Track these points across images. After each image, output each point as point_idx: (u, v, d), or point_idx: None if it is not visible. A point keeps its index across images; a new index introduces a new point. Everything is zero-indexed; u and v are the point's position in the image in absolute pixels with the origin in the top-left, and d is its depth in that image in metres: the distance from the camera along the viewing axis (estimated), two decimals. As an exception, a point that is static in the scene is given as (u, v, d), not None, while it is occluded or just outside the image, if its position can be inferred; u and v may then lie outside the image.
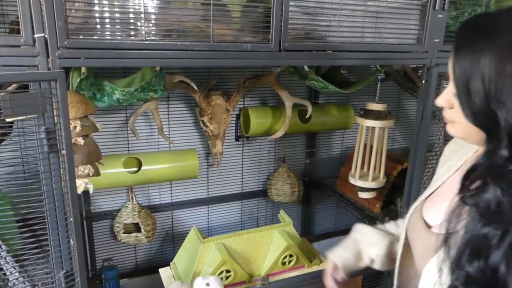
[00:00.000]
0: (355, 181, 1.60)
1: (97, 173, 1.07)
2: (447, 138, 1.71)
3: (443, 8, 1.30)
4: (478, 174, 0.70)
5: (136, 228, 1.66)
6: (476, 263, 0.64)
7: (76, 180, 1.03)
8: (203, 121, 1.59)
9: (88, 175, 1.03)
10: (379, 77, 1.56)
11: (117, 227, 1.66)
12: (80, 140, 1.01)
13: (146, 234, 1.65)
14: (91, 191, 1.07)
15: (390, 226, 1.09)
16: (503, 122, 0.68)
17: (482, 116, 0.72)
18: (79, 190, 1.04)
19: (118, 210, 1.69)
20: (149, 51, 0.98)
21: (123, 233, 1.65)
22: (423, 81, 1.35)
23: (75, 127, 1.00)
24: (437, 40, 1.33)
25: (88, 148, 1.03)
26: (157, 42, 1.00)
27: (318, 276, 1.46)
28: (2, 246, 0.97)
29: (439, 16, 1.31)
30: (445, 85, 1.38)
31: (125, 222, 1.65)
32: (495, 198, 0.66)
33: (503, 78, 0.68)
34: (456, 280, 0.66)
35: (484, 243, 0.64)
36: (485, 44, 0.70)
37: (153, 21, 1.02)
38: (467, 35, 0.75)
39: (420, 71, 1.79)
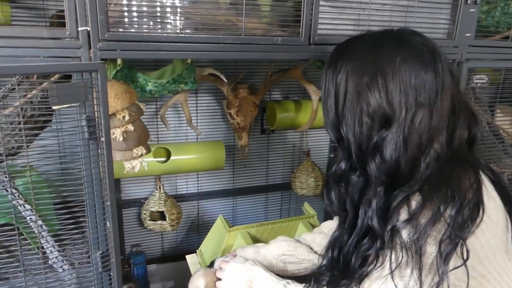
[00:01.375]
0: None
1: (148, 150, 1.18)
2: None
3: (475, 2, 1.28)
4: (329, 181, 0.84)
5: (162, 216, 1.72)
6: (330, 253, 0.83)
7: (132, 161, 1.15)
8: (230, 114, 1.63)
9: (141, 155, 1.14)
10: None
11: (144, 214, 1.72)
12: (130, 127, 1.09)
13: (171, 222, 1.70)
14: (146, 168, 1.20)
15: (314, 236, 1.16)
16: (344, 137, 0.77)
17: (334, 130, 0.80)
18: (136, 170, 1.16)
19: (146, 198, 1.75)
20: (182, 44, 1.02)
21: (149, 220, 1.71)
22: (453, 76, 1.34)
23: (124, 117, 1.07)
24: (469, 34, 1.31)
25: (138, 131, 1.13)
26: (190, 35, 1.04)
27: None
28: (43, 226, 1.03)
29: (471, 10, 1.29)
30: (475, 81, 1.37)
31: (152, 209, 1.70)
32: (336, 197, 0.81)
33: (348, 97, 0.75)
34: (319, 270, 0.86)
35: (337, 242, 0.82)
36: (341, 66, 0.77)
37: (187, 15, 1.06)
38: (333, 57, 0.82)
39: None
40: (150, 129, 1.69)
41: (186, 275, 1.59)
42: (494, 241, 0.72)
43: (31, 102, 1.12)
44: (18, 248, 0.92)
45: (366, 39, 0.80)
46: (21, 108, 1.13)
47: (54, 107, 0.81)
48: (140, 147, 1.15)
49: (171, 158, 1.59)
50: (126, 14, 0.98)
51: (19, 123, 1.15)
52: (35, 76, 0.93)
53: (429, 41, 0.78)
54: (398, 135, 0.71)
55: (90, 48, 0.91)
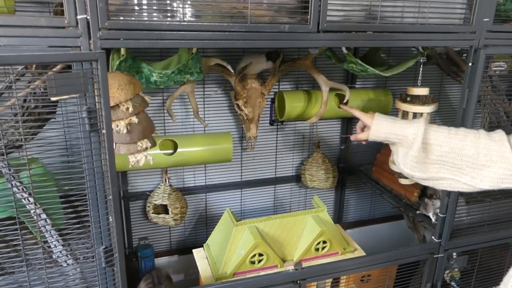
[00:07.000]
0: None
1: (153, 144, 1.14)
2: (492, 124, 1.62)
3: (494, -15, 1.22)
4: None
5: (165, 209, 1.69)
6: None
7: (137, 155, 1.11)
8: (237, 105, 1.59)
9: (146, 149, 1.10)
10: (421, 60, 1.49)
11: (148, 206, 1.71)
12: (134, 119, 1.06)
13: (174, 216, 1.67)
14: (151, 162, 1.14)
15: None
16: None
17: None
18: (141, 164, 1.12)
19: (152, 191, 1.73)
20: (186, 32, 0.98)
21: (152, 213, 1.69)
22: (470, 64, 1.28)
23: (127, 108, 1.03)
24: (487, 19, 1.25)
25: (142, 124, 1.09)
26: (194, 23, 1.00)
27: (352, 264, 1.44)
28: (47, 220, 1.02)
29: (489, -6, 1.23)
30: (493, 68, 1.31)
31: (155, 202, 1.69)
32: None
33: None
34: None
35: None
36: None
37: (190, 2, 1.02)
38: None
39: (464, 54, 1.70)
40: (156, 121, 1.67)
41: (194, 269, 1.57)
42: None
43: (35, 93, 1.10)
44: (20, 242, 0.90)
45: None
46: (24, 100, 1.12)
47: (52, 99, 0.78)
48: (145, 140, 1.12)
49: (178, 150, 1.56)
50: (127, 1, 0.95)
51: (23, 114, 1.14)
52: (34, 66, 0.90)
53: None
54: None
55: (90, 37, 0.87)
